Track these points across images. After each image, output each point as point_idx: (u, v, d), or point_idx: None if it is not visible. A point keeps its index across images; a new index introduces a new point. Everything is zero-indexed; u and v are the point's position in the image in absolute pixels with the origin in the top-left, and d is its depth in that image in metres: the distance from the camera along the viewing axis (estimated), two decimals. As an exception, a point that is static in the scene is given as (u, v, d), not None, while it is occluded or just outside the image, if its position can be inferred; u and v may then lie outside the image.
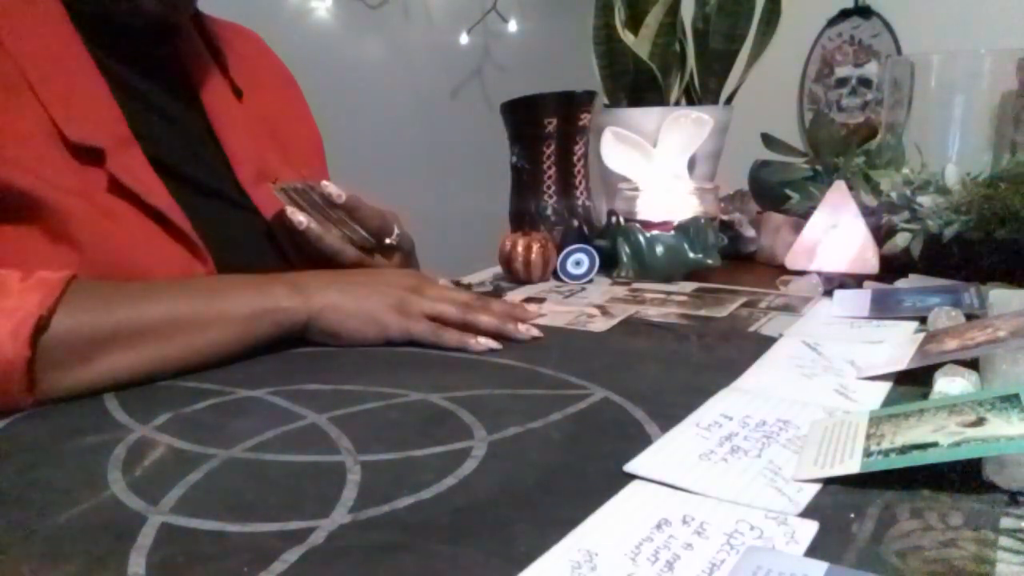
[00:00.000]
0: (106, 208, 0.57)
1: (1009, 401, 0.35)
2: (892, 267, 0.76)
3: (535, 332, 0.61)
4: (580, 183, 0.94)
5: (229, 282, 0.56)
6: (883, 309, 0.63)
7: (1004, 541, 0.30)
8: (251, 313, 0.54)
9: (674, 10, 0.96)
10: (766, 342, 0.57)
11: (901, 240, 0.74)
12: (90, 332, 0.48)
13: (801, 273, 0.78)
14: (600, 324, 0.65)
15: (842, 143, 0.91)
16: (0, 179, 0.53)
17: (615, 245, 0.82)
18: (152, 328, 0.50)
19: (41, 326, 0.45)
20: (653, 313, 0.67)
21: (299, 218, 0.65)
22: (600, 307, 0.71)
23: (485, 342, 0.58)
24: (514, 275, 0.81)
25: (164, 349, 0.51)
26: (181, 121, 0.68)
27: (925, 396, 0.43)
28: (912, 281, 0.73)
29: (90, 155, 0.57)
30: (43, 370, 0.46)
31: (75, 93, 0.58)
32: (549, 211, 0.92)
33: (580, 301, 0.73)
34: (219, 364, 0.53)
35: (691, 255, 0.79)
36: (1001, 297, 0.60)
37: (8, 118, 0.54)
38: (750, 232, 0.93)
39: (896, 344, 0.53)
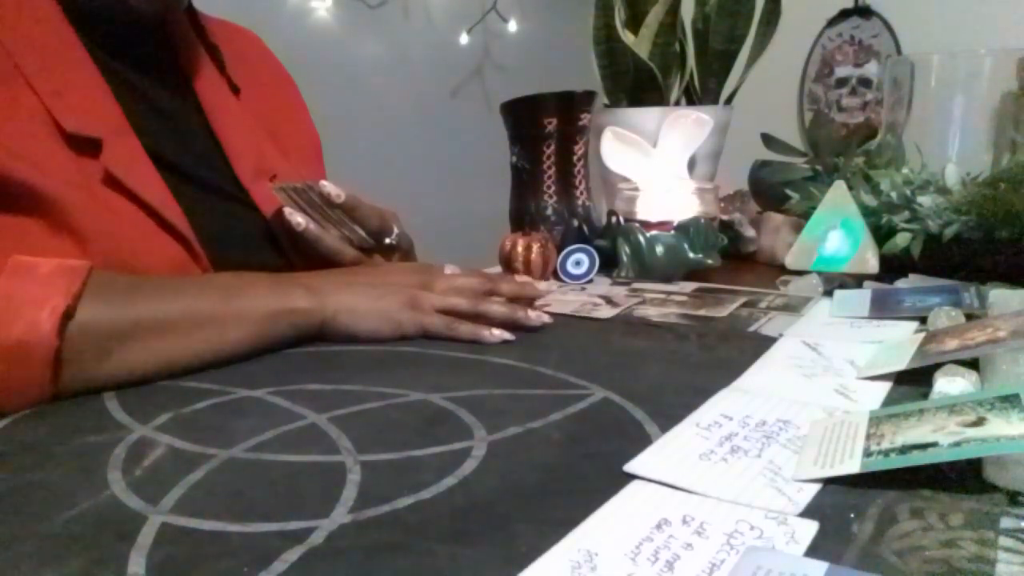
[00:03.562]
0: (104, 201, 0.57)
1: (1009, 401, 0.35)
2: (892, 267, 0.76)
3: (545, 318, 0.62)
4: (580, 183, 0.94)
5: (247, 281, 0.56)
6: (883, 309, 0.63)
7: (1004, 541, 0.30)
8: (269, 313, 0.54)
9: (674, 10, 0.96)
10: (766, 342, 0.57)
11: (901, 240, 0.74)
12: (111, 325, 0.48)
13: (801, 273, 0.78)
14: (605, 311, 0.66)
15: (842, 143, 0.91)
16: (1, 169, 0.52)
17: (615, 245, 0.82)
18: (172, 324, 0.50)
19: (68, 315, 0.45)
20: (653, 313, 0.67)
21: (297, 219, 0.65)
22: (604, 296, 0.71)
23: (499, 334, 0.58)
24: (514, 275, 0.81)
25: (182, 346, 0.51)
26: (177, 115, 0.68)
27: (925, 396, 0.43)
28: (912, 281, 0.73)
29: (87, 146, 0.57)
30: (66, 362, 0.46)
31: (70, 85, 0.58)
32: (549, 211, 0.92)
33: (583, 295, 0.73)
34: (234, 363, 0.53)
35: (691, 255, 0.79)
36: (1001, 297, 0.60)
37: (5, 109, 0.54)
38: (750, 232, 0.93)
39: (896, 344, 0.53)
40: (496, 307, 0.61)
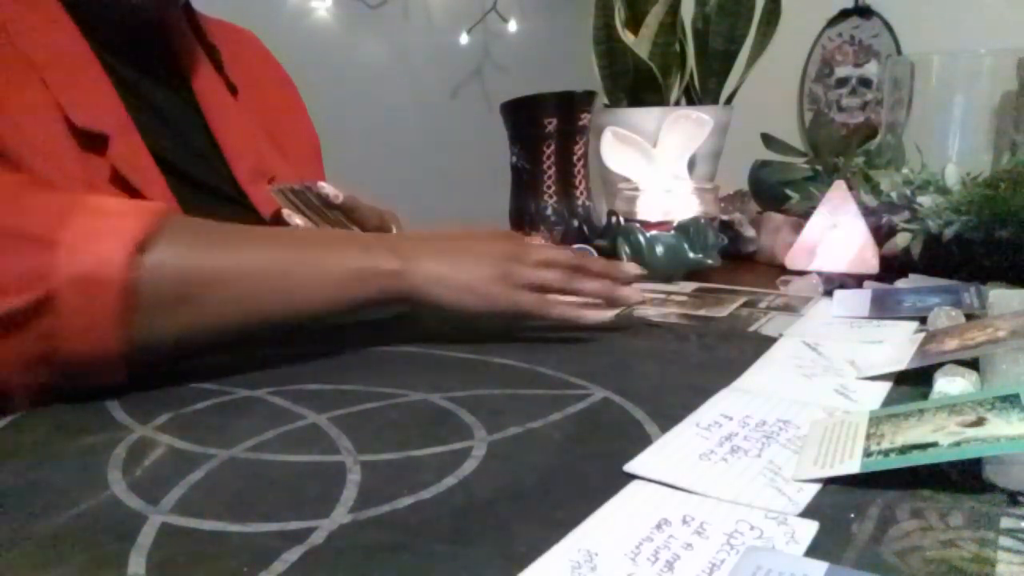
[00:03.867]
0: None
1: (1009, 401, 0.35)
2: (892, 267, 0.76)
3: (641, 295, 0.60)
4: (580, 183, 0.94)
5: (333, 237, 0.55)
6: (883, 309, 0.63)
7: (1004, 541, 0.30)
8: (353, 272, 0.52)
9: (674, 10, 0.96)
10: (766, 342, 0.57)
11: (901, 240, 0.74)
12: (191, 268, 0.46)
13: (801, 273, 0.78)
14: (607, 312, 0.66)
15: (842, 143, 0.91)
16: (13, 156, 0.52)
17: (615, 245, 0.82)
18: (254, 274, 0.49)
19: (143, 248, 0.44)
20: (653, 313, 0.67)
21: (295, 221, 0.65)
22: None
23: (594, 316, 0.57)
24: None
25: (264, 298, 0.49)
26: (175, 116, 0.68)
27: (925, 396, 0.43)
28: (912, 281, 0.73)
29: (94, 142, 0.57)
30: (141, 303, 0.44)
31: (79, 81, 0.58)
32: (549, 211, 0.92)
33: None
34: (314, 325, 0.52)
35: (691, 255, 0.79)
36: (1001, 297, 0.60)
37: (21, 105, 0.54)
38: (750, 232, 0.93)
39: (896, 344, 0.53)
40: (591, 283, 0.58)
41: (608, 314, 0.57)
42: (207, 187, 0.67)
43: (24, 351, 0.43)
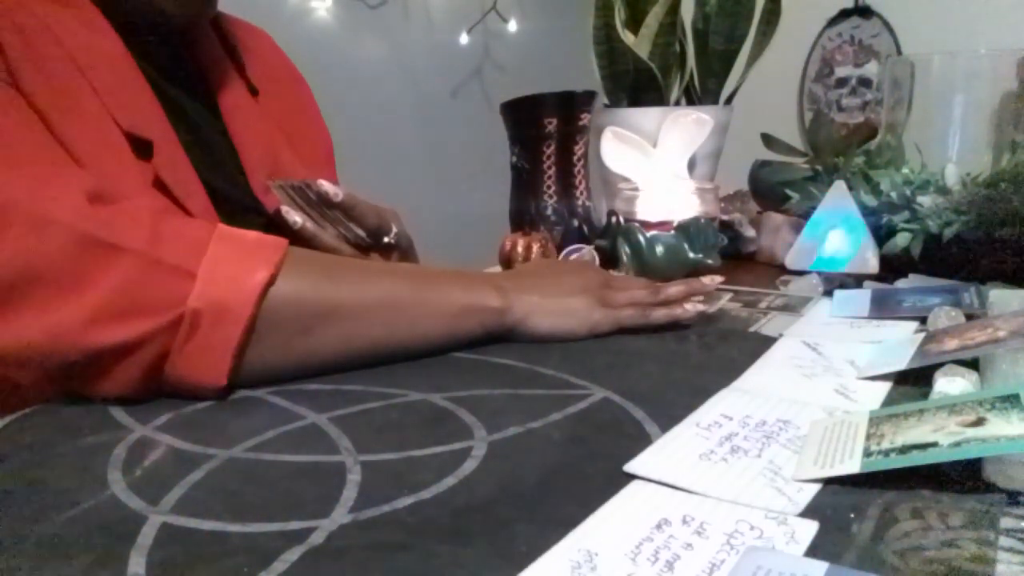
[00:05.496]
0: (163, 206, 0.56)
1: (1009, 401, 0.35)
2: (892, 267, 0.76)
3: (718, 279, 0.64)
4: (580, 183, 0.94)
5: (439, 274, 0.57)
6: (883, 309, 0.63)
7: (1004, 541, 0.30)
8: (461, 309, 0.55)
9: (674, 10, 0.96)
10: (766, 342, 0.57)
11: (901, 240, 0.74)
12: (314, 302, 0.48)
13: (801, 273, 0.78)
14: (698, 305, 0.67)
15: (842, 143, 0.91)
16: (84, 163, 0.51)
17: (615, 245, 0.82)
18: (371, 309, 0.51)
19: (271, 282, 0.46)
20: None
21: (294, 217, 0.65)
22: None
23: (692, 307, 0.60)
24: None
25: (377, 332, 0.51)
26: (200, 124, 0.67)
27: (925, 396, 0.43)
28: (912, 281, 0.73)
29: (141, 148, 0.56)
30: (263, 333, 0.46)
31: (121, 85, 0.57)
32: (549, 211, 0.92)
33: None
34: (420, 356, 0.54)
35: (691, 255, 0.79)
36: (1001, 297, 0.60)
37: (77, 107, 0.53)
38: (750, 232, 0.93)
39: (896, 344, 0.53)
40: (673, 288, 0.61)
41: (700, 306, 0.60)
42: (225, 196, 0.66)
43: (134, 373, 0.45)
